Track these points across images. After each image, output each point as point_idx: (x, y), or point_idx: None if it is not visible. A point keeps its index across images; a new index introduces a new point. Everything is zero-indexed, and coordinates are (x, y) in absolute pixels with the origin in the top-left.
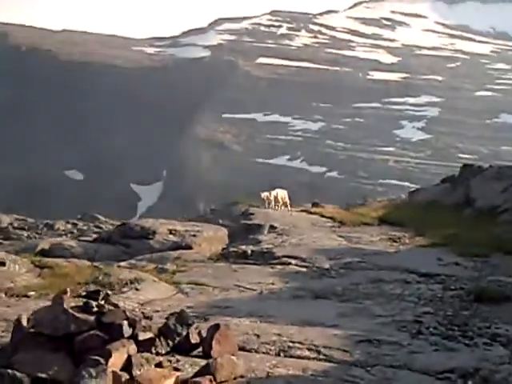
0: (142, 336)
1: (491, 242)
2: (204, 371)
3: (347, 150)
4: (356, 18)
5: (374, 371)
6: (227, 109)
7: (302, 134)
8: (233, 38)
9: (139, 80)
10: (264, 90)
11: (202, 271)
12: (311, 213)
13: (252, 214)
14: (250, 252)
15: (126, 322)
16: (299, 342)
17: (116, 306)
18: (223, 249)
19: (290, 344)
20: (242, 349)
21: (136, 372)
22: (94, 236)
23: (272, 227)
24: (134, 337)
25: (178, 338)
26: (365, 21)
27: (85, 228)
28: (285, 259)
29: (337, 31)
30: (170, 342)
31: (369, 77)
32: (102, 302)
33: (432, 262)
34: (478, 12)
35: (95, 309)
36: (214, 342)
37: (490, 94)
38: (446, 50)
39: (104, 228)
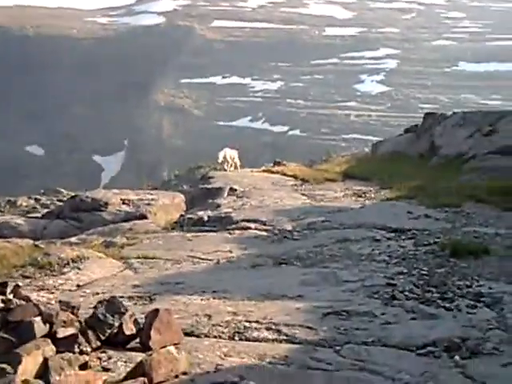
0: (62, 333)
1: (461, 191)
2: (138, 371)
3: (308, 107)
4: None
5: (344, 351)
6: (185, 74)
7: (263, 94)
8: (187, 2)
9: (95, 51)
10: (221, 53)
11: (154, 243)
12: (273, 172)
13: (212, 177)
14: (206, 218)
15: (38, 319)
16: (257, 321)
17: (28, 299)
18: (180, 216)
19: (246, 324)
20: (189, 334)
21: (55, 378)
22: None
23: (232, 189)
24: (51, 335)
25: (109, 331)
26: None
27: (48, 202)
28: (244, 223)
29: None
30: (101, 336)
31: (325, 33)
32: (10, 296)
33: (401, 215)
34: None
35: (0, 305)
36: (152, 332)
37: (447, 43)
38: (401, 1)
39: None
